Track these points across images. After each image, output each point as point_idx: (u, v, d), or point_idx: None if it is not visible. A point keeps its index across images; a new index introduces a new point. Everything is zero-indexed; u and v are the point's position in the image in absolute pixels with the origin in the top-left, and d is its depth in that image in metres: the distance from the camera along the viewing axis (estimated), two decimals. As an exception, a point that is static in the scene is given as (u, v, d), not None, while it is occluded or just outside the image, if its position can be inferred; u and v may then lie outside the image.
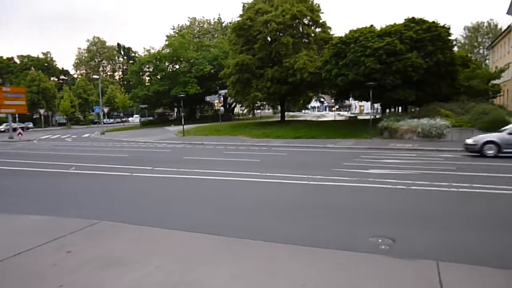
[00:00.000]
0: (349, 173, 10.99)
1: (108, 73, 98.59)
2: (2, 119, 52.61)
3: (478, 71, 34.86)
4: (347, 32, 28.01)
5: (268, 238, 5.24)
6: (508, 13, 48.27)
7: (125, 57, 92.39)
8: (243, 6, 36.04)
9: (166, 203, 8.00)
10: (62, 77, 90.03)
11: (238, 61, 33.08)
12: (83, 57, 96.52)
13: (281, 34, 32.66)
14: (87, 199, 8.63)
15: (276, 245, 4.92)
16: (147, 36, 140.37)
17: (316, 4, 34.96)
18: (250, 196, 8.70)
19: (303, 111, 76.63)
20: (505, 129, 16.04)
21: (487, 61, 66.34)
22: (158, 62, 51.42)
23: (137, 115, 65.54)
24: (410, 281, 3.81)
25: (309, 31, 34.95)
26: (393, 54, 24.77)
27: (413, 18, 27.38)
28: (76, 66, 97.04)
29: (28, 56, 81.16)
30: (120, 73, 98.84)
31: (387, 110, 37.15)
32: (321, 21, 35.14)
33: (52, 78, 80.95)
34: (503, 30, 56.15)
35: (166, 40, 54.51)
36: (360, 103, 73.13)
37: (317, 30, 35.51)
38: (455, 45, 32.74)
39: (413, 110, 32.26)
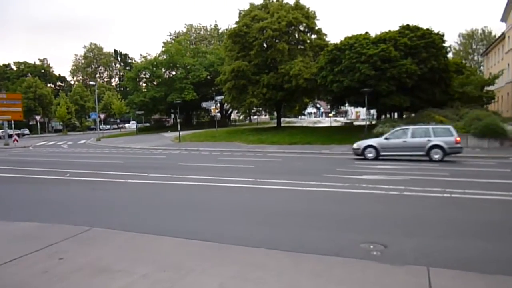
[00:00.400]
0: (342, 179, 11.05)
1: (105, 80, 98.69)
2: (-2, 125, 52.47)
3: (472, 77, 35.12)
4: (342, 39, 28.24)
5: (258, 244, 5.27)
6: (502, 20, 48.78)
7: (121, 64, 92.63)
8: (239, 13, 36.24)
9: (159, 210, 8.02)
10: (58, 83, 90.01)
11: (234, 68, 33.21)
12: (80, 64, 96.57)
13: (277, 41, 32.85)
14: (80, 205, 8.64)
15: (266, 251, 4.95)
16: (143, 43, 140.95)
17: (311, 11, 35.19)
18: (242, 202, 8.74)
19: (299, 117, 76.81)
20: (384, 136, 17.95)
21: (481, 67, 66.81)
22: (154, 69, 51.51)
23: (134, 121, 65.50)
24: (400, 287, 3.85)
25: (305, 37, 35.17)
26: (387, 61, 24.95)
27: (407, 25, 27.64)
28: (73, 72, 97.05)
29: (25, 63, 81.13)
30: (117, 79, 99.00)
31: (383, 116, 37.33)
32: (316, 28, 35.38)
33: (48, 85, 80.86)
34: (497, 37, 56.69)
35: (162, 47, 54.62)
36: (356, 109, 73.43)
37: (313, 36, 35.74)
38: (449, 51, 33.01)
39: (408, 116, 32.42)
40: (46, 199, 9.62)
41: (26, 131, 60.31)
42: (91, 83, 67.67)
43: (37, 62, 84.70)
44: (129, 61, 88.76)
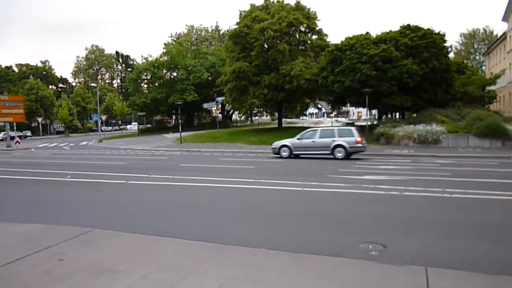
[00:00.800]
0: (343, 180, 11.05)
1: (107, 81, 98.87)
2: (0, 127, 52.64)
3: (474, 77, 35.10)
4: (343, 39, 28.32)
5: (258, 244, 5.28)
6: (503, 19, 48.67)
7: (123, 65, 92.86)
8: (240, 14, 36.31)
9: (160, 211, 8.04)
10: (60, 85, 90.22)
11: (235, 68, 33.27)
12: (82, 65, 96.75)
13: (277, 42, 32.90)
14: (81, 207, 8.66)
15: (266, 251, 4.95)
16: (145, 44, 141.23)
17: (312, 11, 35.26)
18: (243, 203, 8.75)
19: (300, 117, 76.79)
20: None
21: (483, 67, 66.68)
22: (156, 70, 51.63)
23: (135, 123, 65.61)
24: (398, 287, 3.85)
25: (306, 38, 35.21)
26: (388, 61, 24.98)
27: (408, 25, 27.68)
28: (75, 74, 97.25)
29: (27, 65, 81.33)
30: (119, 81, 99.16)
31: (384, 117, 37.34)
32: (317, 28, 35.44)
33: (50, 86, 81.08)
34: (498, 36, 56.58)
35: (164, 48, 54.76)
36: (358, 110, 73.37)
37: (314, 37, 35.80)
38: (450, 51, 32.99)
39: (409, 116, 32.42)
40: (47, 200, 9.64)
41: (28, 133, 60.48)
42: (93, 84, 67.79)
43: (39, 64, 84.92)
44: (131, 62, 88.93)
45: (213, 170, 15.01)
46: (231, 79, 34.25)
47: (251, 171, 14.28)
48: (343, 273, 4.21)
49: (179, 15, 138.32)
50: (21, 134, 48.47)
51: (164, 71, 52.68)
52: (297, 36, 35.17)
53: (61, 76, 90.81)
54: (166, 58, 51.73)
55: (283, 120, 48.97)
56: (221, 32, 66.48)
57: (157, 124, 64.28)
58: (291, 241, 5.71)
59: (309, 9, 35.27)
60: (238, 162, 17.29)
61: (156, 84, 52.90)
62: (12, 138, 37.11)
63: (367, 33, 28.29)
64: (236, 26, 34.88)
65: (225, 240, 5.51)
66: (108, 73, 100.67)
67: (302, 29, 35.15)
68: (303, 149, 18.75)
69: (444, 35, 27.42)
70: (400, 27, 27.89)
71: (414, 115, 30.47)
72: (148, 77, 53.80)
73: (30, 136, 59.15)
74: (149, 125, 64.27)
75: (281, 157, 18.62)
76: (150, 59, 54.97)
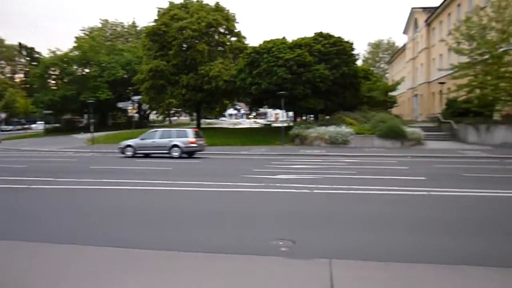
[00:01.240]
0: (257, 179, 11.33)
1: (7, 75, 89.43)
2: None
3: (378, 83, 38.27)
4: (261, 42, 29.01)
5: (164, 247, 5.22)
6: (404, 32, 53.83)
7: (27, 58, 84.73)
8: (158, 11, 35.32)
9: (62, 217, 7.51)
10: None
11: (152, 67, 32.35)
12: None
13: (196, 41, 32.66)
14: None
15: (177, 253, 4.93)
16: (53, 37, 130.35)
17: (231, 14, 35.58)
18: (156, 205, 8.52)
19: (220, 118, 76.97)
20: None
21: (386, 74, 72.97)
22: (65, 65, 47.96)
23: (41, 122, 60.31)
24: (304, 279, 4.06)
25: (225, 39, 35.45)
26: (303, 65, 26.16)
27: (321, 32, 29.22)
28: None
29: None
30: (22, 75, 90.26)
31: (300, 118, 38.99)
32: (236, 30, 35.85)
33: None
34: (399, 47, 62.46)
35: (75, 42, 51.09)
36: (276, 111, 75.62)
37: (233, 39, 36.14)
38: (358, 59, 35.53)
39: (322, 118, 34.25)
40: None
41: None
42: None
43: None
44: (36, 55, 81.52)
45: (127, 172, 14.40)
46: (148, 78, 33.23)
47: (167, 172, 13.98)
48: (252, 270, 4.33)
49: (92, 8, 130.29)
50: None
51: (75, 67, 49.09)
52: (216, 37, 35.22)
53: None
54: (77, 53, 48.31)
55: (202, 121, 48.65)
56: (138, 28, 63.96)
57: (67, 124, 59.64)
58: (203, 241, 5.71)
59: (228, 11, 35.55)
60: (155, 164, 16.83)
61: (66, 81, 49.06)
62: None
63: (284, 38, 29.31)
64: (154, 24, 33.90)
65: (129, 244, 5.35)
66: (9, 66, 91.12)
67: (222, 30, 35.32)
68: (145, 148, 19.93)
69: (352, 44, 29.46)
70: (314, 33, 29.32)
71: (327, 117, 32.27)
72: (57, 73, 49.75)
73: None
74: (58, 125, 59.51)
75: (127, 157, 19.59)
76: (58, 53, 50.91)
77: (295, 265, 4.55)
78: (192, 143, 19.22)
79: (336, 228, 6.39)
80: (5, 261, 4.67)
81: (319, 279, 4.03)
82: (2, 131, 45.04)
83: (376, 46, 79.04)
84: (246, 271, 4.32)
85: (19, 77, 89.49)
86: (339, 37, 28.71)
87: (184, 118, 71.26)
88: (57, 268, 4.47)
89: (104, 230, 6.38)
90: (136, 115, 50.34)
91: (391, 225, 6.62)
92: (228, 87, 30.70)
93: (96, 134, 32.33)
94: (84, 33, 60.59)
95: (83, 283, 4.00)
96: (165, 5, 35.57)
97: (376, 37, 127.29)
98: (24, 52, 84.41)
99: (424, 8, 43.90)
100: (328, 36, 28.59)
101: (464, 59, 25.20)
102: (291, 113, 44.09)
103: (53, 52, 52.57)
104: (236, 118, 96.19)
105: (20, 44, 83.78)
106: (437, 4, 38.50)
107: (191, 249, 5.17)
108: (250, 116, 71.22)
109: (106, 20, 65.75)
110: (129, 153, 19.83)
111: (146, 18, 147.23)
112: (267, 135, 30.06)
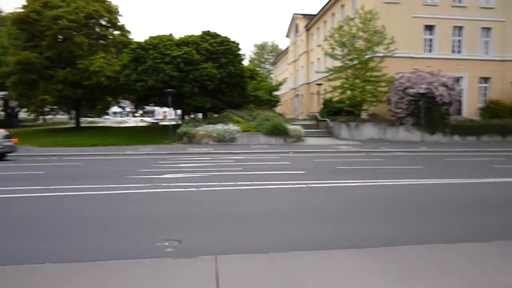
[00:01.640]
0: (143, 180, 10.96)
1: None
2: None
3: (263, 83, 40.04)
4: (147, 38, 28.07)
5: (34, 256, 4.78)
6: (287, 36, 57.15)
7: None
8: (27, -4, 31.61)
9: None
10: None
11: (21, 59, 28.84)
12: None
13: (74, 33, 30.12)
14: None
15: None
16: None
17: (114, 5, 33.60)
18: (24, 212, 7.67)
19: (103, 117, 72.29)
20: None
21: (271, 75, 76.67)
22: None
23: None
24: (190, 277, 4.10)
25: (107, 32, 33.38)
26: (190, 63, 26.06)
27: (208, 31, 29.41)
28: None
29: None
30: None
31: (189, 117, 38.72)
32: (119, 23, 34.04)
33: None
34: (282, 50, 66.22)
35: None
36: (164, 109, 73.86)
37: (116, 32, 34.23)
38: (245, 59, 36.67)
39: (211, 117, 34.56)
40: None
41: None
42: None
43: None
44: None
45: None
46: (15, 71, 29.52)
47: (43, 176, 12.65)
48: (135, 273, 4.23)
49: None
50: None
51: None
52: (98, 29, 32.90)
53: None
54: None
55: (83, 119, 45.15)
56: (2, 14, 56.31)
57: None
58: (85, 249, 5.38)
59: (110, 2, 33.52)
60: (26, 168, 15.08)
61: None
62: None
63: (171, 34, 28.81)
64: (22, 10, 30.21)
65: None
66: None
67: (103, 22, 33.13)
68: None
69: (239, 44, 30.24)
70: (202, 32, 29.40)
71: (215, 115, 32.66)
72: None
73: None
74: None
75: None
76: None
77: (181, 264, 4.56)
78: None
79: (222, 225, 6.54)
80: None
81: (205, 275, 4.12)
82: None
83: (262, 48, 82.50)
84: (133, 275, 4.20)
85: None
86: (226, 37, 29.24)
87: (62, 116, 65.17)
88: None
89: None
90: (2, 112, 44.49)
91: (272, 218, 7.02)
92: (111, 84, 29.02)
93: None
94: None
95: None
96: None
97: (262, 39, 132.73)
98: None
99: (304, 15, 47.22)
100: (215, 35, 28.92)
101: (338, 63, 27.87)
102: (179, 111, 43.54)
103: None
104: (121, 116, 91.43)
105: None
106: (316, 12, 41.82)
107: (68, 257, 4.81)
108: (136, 114, 68.27)
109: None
110: None
111: (11, 3, 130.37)
112: (154, 134, 29.20)
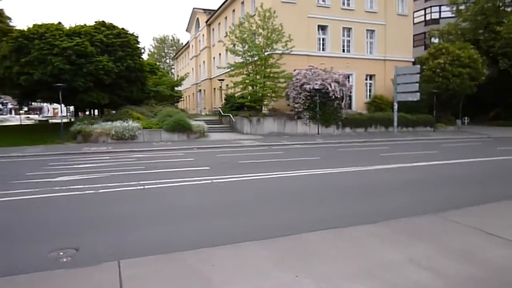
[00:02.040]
0: (31, 184, 9.90)
1: None
2: None
3: (164, 78, 39.10)
4: (31, 26, 25.34)
5: None
6: (187, 30, 56.27)
7: None
8: None
9: None
10: None
11: None
12: None
13: None
14: None
15: None
16: None
17: (-11, -12, 29.74)
18: None
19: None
20: None
21: (172, 70, 75.05)
22: None
23: None
24: (92, 286, 3.84)
25: (-20, 18, 29.40)
26: (83, 56, 24.25)
27: (103, 22, 27.67)
28: None
29: None
30: None
31: (83, 113, 36.08)
32: (-3, 8, 30.21)
33: None
34: (184, 44, 65.10)
35: None
36: (53, 106, 67.70)
37: (-8, 18, 30.32)
38: (144, 53, 35.37)
39: (108, 113, 32.65)
40: None
41: None
42: None
43: None
44: None
45: None
46: None
47: None
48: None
49: None
50: None
51: None
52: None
53: None
54: None
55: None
56: None
57: None
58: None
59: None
60: None
61: None
62: None
63: (59, 23, 26.45)
64: None
65: None
66: None
67: (-25, 6, 29.12)
68: None
69: (137, 37, 29.01)
70: (95, 22, 27.55)
71: (113, 112, 30.93)
72: None
73: None
74: None
75: None
76: None
77: (80, 274, 4.24)
78: None
79: (124, 228, 6.24)
80: None
81: (107, 283, 3.91)
82: None
83: (162, 41, 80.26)
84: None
85: None
86: (123, 29, 27.81)
87: None
88: None
89: None
90: None
91: (177, 216, 6.92)
92: (-13, 77, 25.65)
93: None
94: None
95: None
96: None
97: (161, 32, 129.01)
98: None
99: (205, 10, 46.99)
100: (111, 27, 27.31)
101: (239, 59, 28.35)
102: (72, 108, 40.25)
103: None
104: (3, 114, 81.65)
105: None
106: (216, 7, 41.87)
107: None
108: (20, 112, 61.39)
109: None
110: None
111: None
112: (44, 132, 26.59)
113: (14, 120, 54.29)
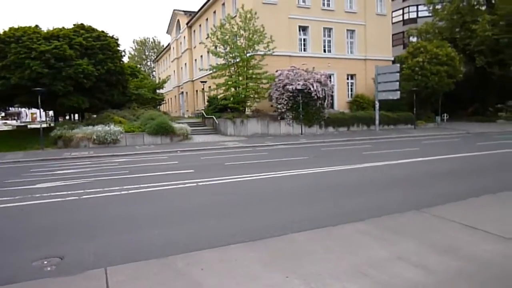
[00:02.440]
0: (10, 192, 9.62)
1: None
2: None
3: (146, 81, 38.67)
4: (6, 29, 24.74)
5: None
6: (167, 32, 55.83)
7: None
8: None
9: None
10: None
11: None
12: None
13: None
14: None
15: None
16: None
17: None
18: None
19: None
20: None
21: (154, 72, 74.37)
22: None
23: None
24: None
25: (-47, 22, 28.50)
26: (62, 60, 23.78)
27: (82, 24, 27.23)
28: None
29: None
30: None
31: (64, 118, 35.38)
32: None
33: None
34: (165, 46, 64.54)
35: None
36: (32, 111, 66.22)
37: (-35, 22, 29.45)
38: (125, 55, 34.90)
39: (89, 117, 32.10)
40: None
41: None
42: None
43: None
44: None
45: None
46: None
47: None
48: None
49: None
50: None
51: None
52: None
53: None
54: None
55: None
56: None
57: None
58: None
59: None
60: None
61: None
62: None
63: (37, 26, 25.90)
64: None
65: None
66: None
67: None
68: None
69: (117, 39, 28.62)
70: (74, 25, 27.08)
71: (94, 116, 30.43)
72: None
73: None
74: None
75: None
76: None
77: (65, 283, 4.14)
78: None
79: (110, 233, 6.14)
80: None
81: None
82: None
83: (142, 44, 79.47)
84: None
85: None
86: (102, 31, 27.41)
87: None
88: None
89: None
90: None
91: (165, 220, 6.83)
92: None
93: None
94: None
95: None
96: None
97: (141, 35, 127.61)
98: None
99: (185, 11, 46.71)
100: (90, 29, 26.88)
101: (221, 61, 28.25)
102: (51, 113, 39.41)
103: None
104: (-22, 119, 79.43)
105: None
106: (197, 9, 41.65)
107: None
108: (-3, 117, 59.92)
109: None
110: None
111: None
112: (22, 138, 25.96)
113: (-10, 126, 52.92)
